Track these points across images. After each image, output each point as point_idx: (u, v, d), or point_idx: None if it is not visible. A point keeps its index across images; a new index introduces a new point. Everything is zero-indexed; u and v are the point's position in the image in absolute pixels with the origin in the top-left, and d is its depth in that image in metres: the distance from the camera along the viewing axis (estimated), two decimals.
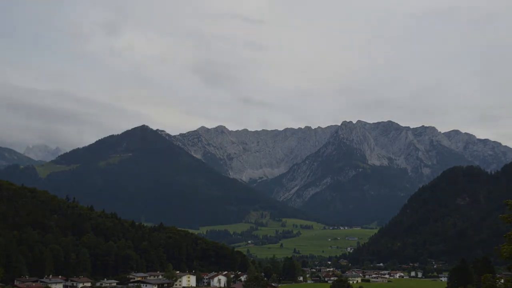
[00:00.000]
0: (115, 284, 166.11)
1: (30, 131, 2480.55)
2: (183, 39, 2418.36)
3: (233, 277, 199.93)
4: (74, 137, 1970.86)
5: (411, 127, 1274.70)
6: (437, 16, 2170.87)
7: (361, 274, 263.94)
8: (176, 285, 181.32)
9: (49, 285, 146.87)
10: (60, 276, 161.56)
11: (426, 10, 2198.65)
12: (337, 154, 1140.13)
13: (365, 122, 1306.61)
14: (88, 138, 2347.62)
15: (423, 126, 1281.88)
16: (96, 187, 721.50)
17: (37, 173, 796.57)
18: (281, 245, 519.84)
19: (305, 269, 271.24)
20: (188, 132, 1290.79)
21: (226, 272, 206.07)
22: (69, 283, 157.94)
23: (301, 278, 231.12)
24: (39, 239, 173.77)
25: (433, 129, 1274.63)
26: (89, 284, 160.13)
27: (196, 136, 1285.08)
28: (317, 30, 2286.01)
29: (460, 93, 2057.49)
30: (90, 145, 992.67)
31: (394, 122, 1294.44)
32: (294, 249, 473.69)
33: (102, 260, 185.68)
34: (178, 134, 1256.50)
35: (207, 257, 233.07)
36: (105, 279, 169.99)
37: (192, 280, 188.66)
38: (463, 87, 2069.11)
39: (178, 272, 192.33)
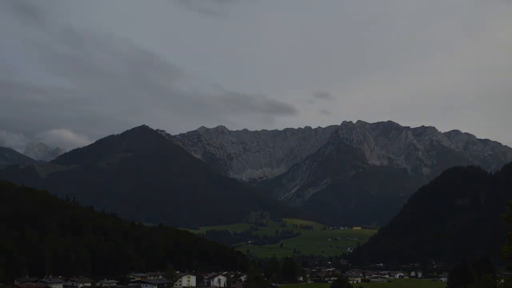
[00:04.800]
0: (115, 284, 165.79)
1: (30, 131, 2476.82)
2: None
3: (233, 277, 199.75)
4: (74, 137, 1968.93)
5: (411, 127, 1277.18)
6: None
7: (361, 274, 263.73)
8: (176, 285, 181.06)
9: (49, 285, 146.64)
10: (60, 276, 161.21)
11: None
12: (337, 154, 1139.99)
13: (365, 122, 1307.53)
14: (88, 138, 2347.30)
15: (423, 126, 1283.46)
16: (96, 187, 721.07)
17: (37, 173, 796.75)
18: (281, 245, 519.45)
19: (305, 269, 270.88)
20: (188, 132, 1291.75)
21: (226, 272, 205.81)
22: (69, 283, 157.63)
23: (301, 278, 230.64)
24: (39, 239, 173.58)
25: (433, 129, 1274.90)
26: (89, 284, 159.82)
27: (196, 136, 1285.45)
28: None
29: None
30: (90, 145, 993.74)
31: (394, 122, 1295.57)
32: (294, 249, 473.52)
33: (102, 260, 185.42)
34: (178, 134, 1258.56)
35: (207, 257, 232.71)
36: (105, 279, 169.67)
37: (192, 280, 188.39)
38: None
39: (178, 272, 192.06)
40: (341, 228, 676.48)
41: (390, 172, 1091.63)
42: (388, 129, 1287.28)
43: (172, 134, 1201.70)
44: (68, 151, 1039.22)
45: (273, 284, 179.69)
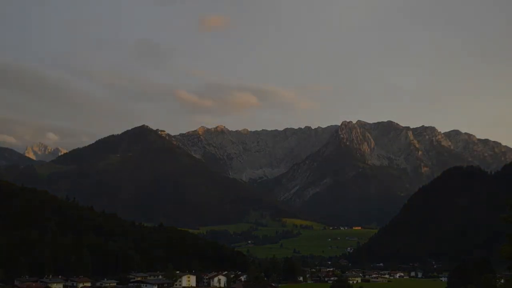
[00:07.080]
0: (115, 284, 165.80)
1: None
2: None
3: (233, 277, 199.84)
4: (74, 137, 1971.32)
5: (411, 127, 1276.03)
6: None
7: (361, 274, 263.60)
8: (176, 285, 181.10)
9: (49, 285, 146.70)
10: (60, 276, 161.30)
11: None
12: (337, 154, 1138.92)
13: (365, 122, 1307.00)
14: (88, 138, 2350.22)
15: (423, 126, 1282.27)
16: (96, 187, 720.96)
17: (37, 173, 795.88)
18: (281, 245, 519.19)
19: (305, 269, 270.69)
20: (188, 132, 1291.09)
21: (226, 272, 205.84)
22: (69, 283, 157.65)
23: (301, 278, 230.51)
24: (39, 239, 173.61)
25: (433, 129, 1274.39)
26: (89, 284, 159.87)
27: (196, 136, 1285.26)
28: None
29: None
30: (90, 145, 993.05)
31: (394, 122, 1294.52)
32: (294, 249, 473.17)
33: (102, 260, 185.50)
34: (178, 134, 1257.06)
35: (207, 257, 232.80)
36: (105, 279, 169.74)
37: (192, 280, 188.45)
38: None
39: (178, 272, 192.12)
40: (341, 228, 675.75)
41: (390, 172, 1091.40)
42: (388, 129, 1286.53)
43: (172, 134, 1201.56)
44: (68, 151, 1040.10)
45: (273, 284, 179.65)
